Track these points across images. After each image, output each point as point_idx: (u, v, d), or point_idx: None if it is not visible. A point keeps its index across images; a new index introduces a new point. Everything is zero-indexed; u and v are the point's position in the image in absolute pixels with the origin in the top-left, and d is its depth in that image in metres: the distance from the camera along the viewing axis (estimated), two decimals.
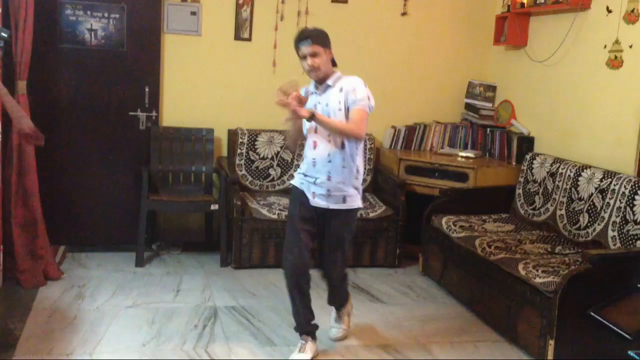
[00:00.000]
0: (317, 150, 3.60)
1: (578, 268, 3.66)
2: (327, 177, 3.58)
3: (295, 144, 4.02)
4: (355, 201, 3.69)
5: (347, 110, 3.53)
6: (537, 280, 3.77)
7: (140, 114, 5.39)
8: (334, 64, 3.65)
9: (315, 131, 3.59)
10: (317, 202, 3.62)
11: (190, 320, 4.14)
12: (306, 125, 3.64)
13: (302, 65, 3.57)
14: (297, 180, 3.74)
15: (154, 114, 5.42)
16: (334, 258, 3.77)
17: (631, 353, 2.53)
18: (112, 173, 5.39)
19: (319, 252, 3.81)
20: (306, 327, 3.78)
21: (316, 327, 3.82)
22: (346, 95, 3.54)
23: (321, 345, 3.88)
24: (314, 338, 3.80)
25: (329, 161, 3.57)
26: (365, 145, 5.77)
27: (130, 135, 5.40)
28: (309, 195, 3.64)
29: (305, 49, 3.50)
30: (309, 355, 3.72)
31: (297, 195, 3.72)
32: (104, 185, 5.38)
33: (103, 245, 5.36)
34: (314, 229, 3.70)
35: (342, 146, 3.57)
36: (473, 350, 3.98)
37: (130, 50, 5.29)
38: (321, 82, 3.61)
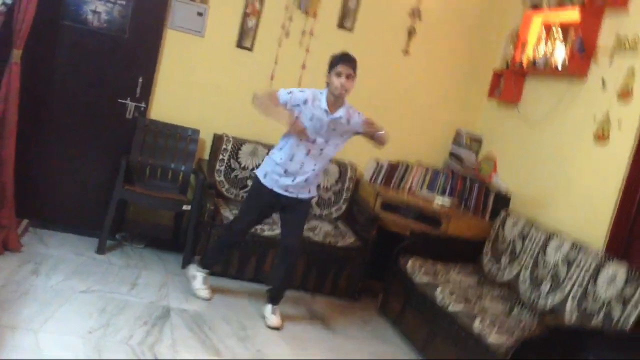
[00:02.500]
0: (311, 157, 4.28)
1: (532, 333, 3.69)
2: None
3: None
4: (314, 192, 4.49)
5: (351, 133, 4.33)
6: (491, 338, 3.79)
7: (130, 102, 5.37)
8: None
9: (314, 142, 4.23)
10: (297, 193, 4.34)
11: (141, 315, 4.09)
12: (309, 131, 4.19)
13: (334, 81, 4.08)
14: (269, 180, 4.35)
15: (143, 104, 5.40)
16: (297, 234, 4.50)
17: None
18: (90, 156, 5.35)
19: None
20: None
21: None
22: (354, 127, 4.26)
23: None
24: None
25: (313, 169, 4.32)
26: (347, 174, 5.79)
27: (115, 122, 5.36)
28: (281, 189, 4.33)
29: (347, 68, 4.06)
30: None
31: (265, 190, 4.38)
32: (80, 166, 5.33)
33: (67, 226, 5.29)
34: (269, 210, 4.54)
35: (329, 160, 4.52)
36: None
37: (131, 38, 5.28)
38: (335, 103, 4.15)
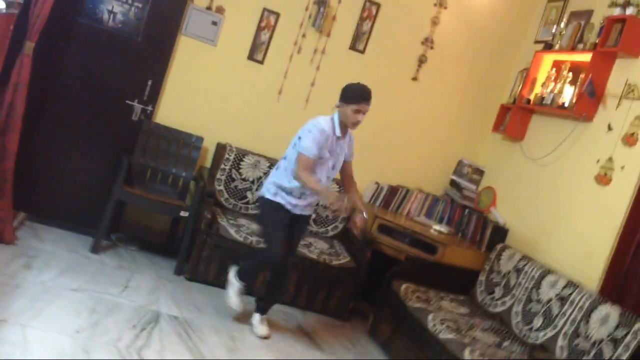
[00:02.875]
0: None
1: None
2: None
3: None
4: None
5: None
6: None
7: (137, 104, 5.37)
8: None
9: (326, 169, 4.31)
10: (304, 210, 4.42)
11: (130, 318, 4.06)
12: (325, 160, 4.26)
13: (350, 115, 4.12)
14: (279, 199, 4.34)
15: (149, 108, 5.41)
16: (295, 248, 4.57)
17: None
18: (93, 154, 5.34)
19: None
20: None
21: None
22: (348, 148, 4.41)
23: None
24: None
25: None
26: (345, 194, 5.78)
27: (121, 123, 5.37)
28: (290, 207, 4.34)
29: (367, 107, 4.13)
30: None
31: (279, 208, 4.36)
32: (81, 164, 5.32)
33: (64, 222, 5.26)
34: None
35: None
36: None
37: (144, 41, 5.30)
38: (344, 129, 4.23)
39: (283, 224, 4.30)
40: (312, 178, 4.15)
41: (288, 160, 4.27)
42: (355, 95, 4.10)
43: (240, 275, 4.44)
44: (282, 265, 4.29)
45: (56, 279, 4.27)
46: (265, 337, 4.42)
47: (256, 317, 4.52)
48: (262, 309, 4.54)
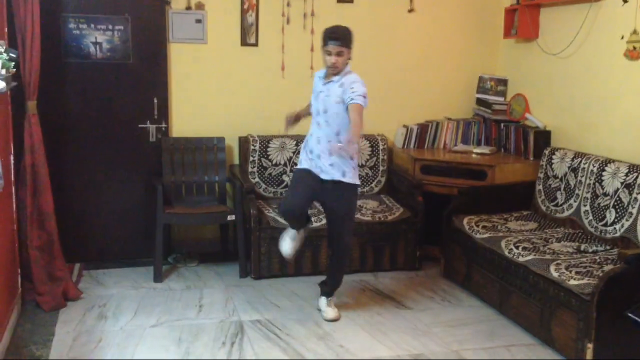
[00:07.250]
0: (321, 129, 4.16)
1: (614, 269, 3.58)
2: (329, 153, 4.11)
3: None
4: (354, 178, 4.20)
5: (344, 103, 4.02)
6: (572, 282, 3.70)
7: (150, 125, 5.29)
8: None
9: (318, 113, 4.17)
10: (329, 172, 4.14)
11: (217, 337, 4.05)
12: (313, 106, 4.25)
13: (324, 57, 4.07)
14: (303, 163, 4.28)
15: (163, 125, 5.33)
16: (341, 228, 4.26)
17: None
18: (123, 186, 5.30)
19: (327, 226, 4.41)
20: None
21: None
22: (343, 91, 4.01)
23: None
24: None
25: (329, 141, 4.11)
26: (378, 146, 5.68)
27: (140, 148, 5.31)
28: (317, 170, 4.18)
29: (334, 48, 3.99)
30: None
31: (302, 170, 4.28)
32: (115, 199, 5.29)
33: (118, 260, 5.27)
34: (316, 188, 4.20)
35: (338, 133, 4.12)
36: (508, 355, 3.90)
37: (137, 61, 5.19)
38: (332, 74, 4.09)
39: (301, 184, 4.24)
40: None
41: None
42: (323, 36, 4.07)
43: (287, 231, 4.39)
44: (295, 215, 4.21)
45: (133, 320, 4.26)
46: (334, 320, 4.31)
47: (322, 301, 4.42)
48: (327, 293, 4.43)
